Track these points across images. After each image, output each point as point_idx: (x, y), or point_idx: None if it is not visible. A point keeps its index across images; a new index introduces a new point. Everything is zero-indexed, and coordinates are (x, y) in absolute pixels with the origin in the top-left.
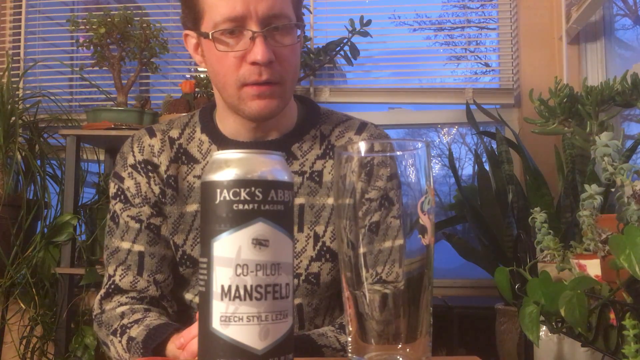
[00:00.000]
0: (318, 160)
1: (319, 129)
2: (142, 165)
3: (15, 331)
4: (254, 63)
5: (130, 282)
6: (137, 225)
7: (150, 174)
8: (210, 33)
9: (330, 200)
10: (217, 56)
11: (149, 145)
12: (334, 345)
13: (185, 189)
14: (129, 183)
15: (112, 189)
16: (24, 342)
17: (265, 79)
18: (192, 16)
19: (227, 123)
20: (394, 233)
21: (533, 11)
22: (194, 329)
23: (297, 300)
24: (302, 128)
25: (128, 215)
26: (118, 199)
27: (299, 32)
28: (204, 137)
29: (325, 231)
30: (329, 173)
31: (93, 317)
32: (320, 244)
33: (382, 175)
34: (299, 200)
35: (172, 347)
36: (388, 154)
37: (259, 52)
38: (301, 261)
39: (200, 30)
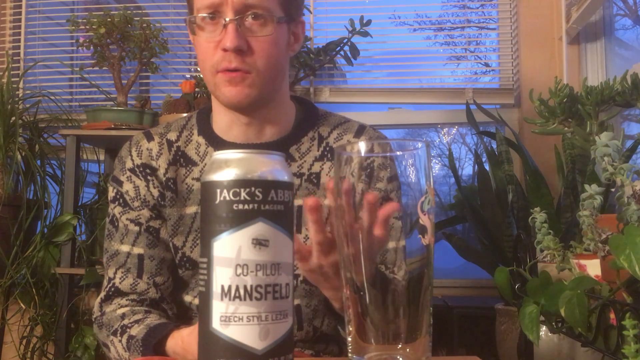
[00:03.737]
0: (316, 162)
1: (317, 131)
2: (141, 169)
3: (15, 331)
4: (224, 50)
5: (130, 285)
6: (137, 228)
7: (148, 177)
8: (188, 18)
9: (328, 202)
10: (197, 42)
11: (147, 149)
12: None
13: (184, 191)
14: (127, 187)
15: (111, 193)
16: (24, 342)
17: (235, 66)
18: (187, 2)
19: (220, 119)
20: (397, 234)
21: (533, 11)
22: None
23: (296, 302)
24: (300, 130)
25: (127, 219)
26: (117, 202)
27: (286, 25)
28: (201, 140)
29: None
30: (327, 175)
31: (93, 319)
32: None
33: (382, 177)
34: (297, 202)
35: (171, 343)
36: (388, 155)
37: (228, 39)
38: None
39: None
